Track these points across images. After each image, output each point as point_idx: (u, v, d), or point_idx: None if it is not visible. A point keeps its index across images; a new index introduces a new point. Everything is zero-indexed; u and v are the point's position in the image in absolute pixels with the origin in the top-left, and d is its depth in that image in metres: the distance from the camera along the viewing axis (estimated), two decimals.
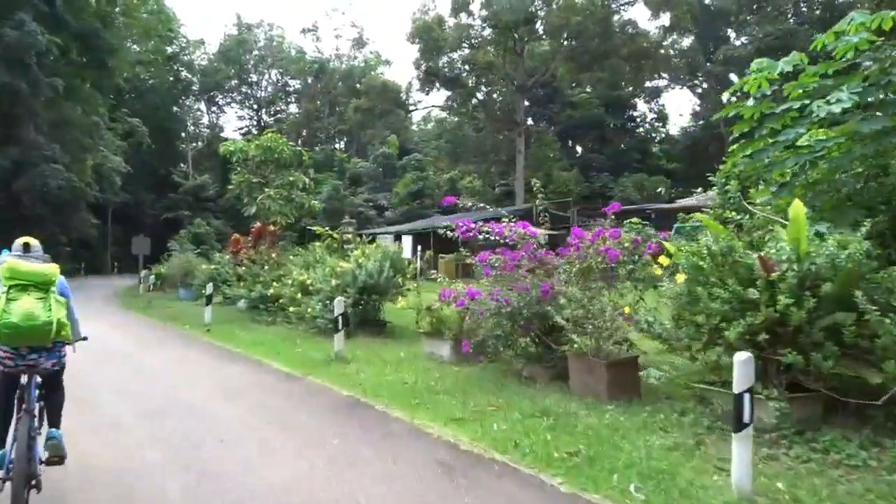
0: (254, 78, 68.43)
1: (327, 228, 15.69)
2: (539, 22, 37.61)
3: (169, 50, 53.61)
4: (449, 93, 42.63)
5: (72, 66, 25.29)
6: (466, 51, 36.95)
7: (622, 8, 42.95)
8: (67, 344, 4.22)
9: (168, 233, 53.17)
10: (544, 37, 39.65)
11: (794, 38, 39.58)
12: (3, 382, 3.81)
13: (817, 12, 41.99)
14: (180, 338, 12.06)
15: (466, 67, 35.20)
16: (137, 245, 27.04)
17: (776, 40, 40.84)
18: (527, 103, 42.64)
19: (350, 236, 13.50)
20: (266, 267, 14.83)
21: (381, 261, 11.70)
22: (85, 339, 4.62)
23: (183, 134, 62.91)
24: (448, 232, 8.96)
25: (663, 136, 59.29)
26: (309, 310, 11.54)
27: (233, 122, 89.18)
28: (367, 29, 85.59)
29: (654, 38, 41.22)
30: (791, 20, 41.91)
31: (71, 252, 41.78)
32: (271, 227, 17.45)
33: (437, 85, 40.46)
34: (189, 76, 60.65)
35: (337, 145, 66.32)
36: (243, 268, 15.80)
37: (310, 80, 63.64)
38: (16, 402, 3.83)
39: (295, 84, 68.05)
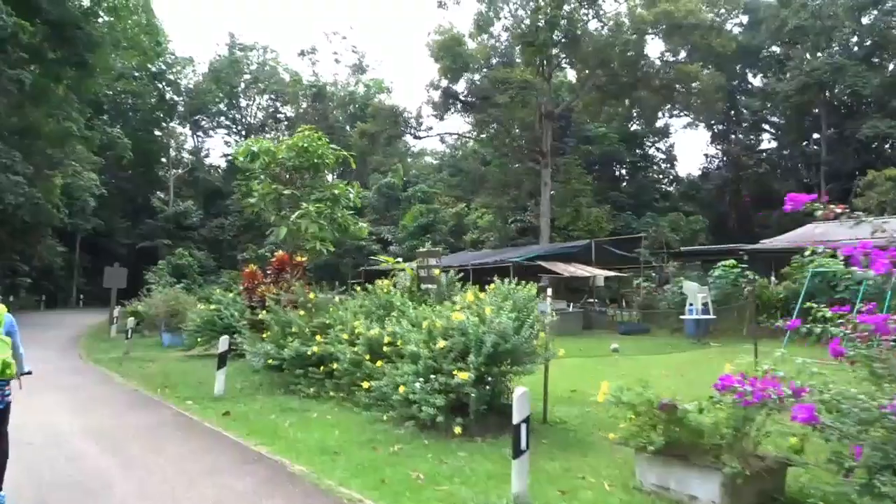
0: (243, 103, 64.37)
1: (399, 260, 11.30)
2: (569, 46, 34.23)
3: (153, 68, 49.33)
4: (466, 118, 38.96)
5: (43, 62, 20.93)
6: (491, 70, 33.34)
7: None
8: (9, 382, 4.29)
9: (143, 264, 48.23)
10: (573, 62, 36.28)
11: (841, 72, 36.89)
12: None
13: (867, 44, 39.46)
14: (183, 430, 7.43)
15: (492, 87, 31.45)
16: (111, 276, 22.34)
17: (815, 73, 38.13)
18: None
19: (437, 272, 9.07)
20: (301, 313, 10.35)
21: (519, 311, 7.38)
22: (29, 373, 4.85)
23: (164, 159, 58.21)
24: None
25: (673, 176, 56.53)
26: (401, 388, 7.08)
27: (219, 149, 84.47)
28: (368, 55, 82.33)
29: (684, 71, 38.07)
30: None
31: (31, 283, 36.61)
32: (298, 258, 13.02)
33: (456, 108, 36.72)
34: (174, 97, 56.28)
35: (330, 175, 62.08)
36: (263, 312, 11.29)
37: (304, 105, 59.69)
38: None
39: (287, 111, 64.11)
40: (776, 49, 47.45)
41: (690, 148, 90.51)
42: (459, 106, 37.19)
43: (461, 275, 9.91)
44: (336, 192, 12.03)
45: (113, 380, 11.18)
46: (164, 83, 50.52)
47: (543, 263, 20.07)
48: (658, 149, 55.53)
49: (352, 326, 9.42)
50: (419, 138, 42.07)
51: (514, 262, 20.12)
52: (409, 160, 59.86)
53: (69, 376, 11.55)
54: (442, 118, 38.78)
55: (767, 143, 53.02)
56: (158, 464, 5.81)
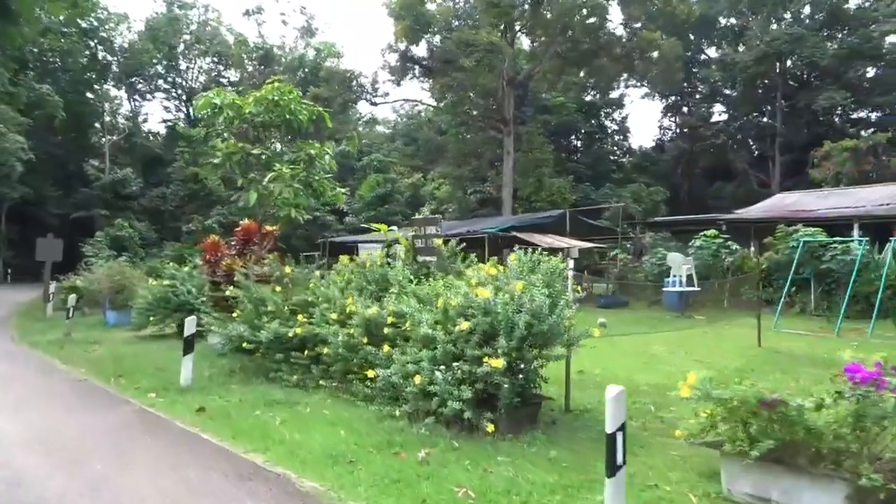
0: (183, 65, 60.63)
1: (393, 229, 10.03)
2: (532, 9, 33.06)
3: (84, 24, 45.53)
4: (424, 85, 37.44)
5: None
6: (454, 32, 31.83)
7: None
8: None
9: (78, 236, 45.08)
10: (534, 26, 35.13)
11: (799, 42, 37.04)
12: None
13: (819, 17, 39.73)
14: (152, 433, 6.10)
15: (457, 49, 30.00)
16: (44, 248, 20.26)
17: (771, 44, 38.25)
18: None
19: (438, 243, 7.94)
20: (277, 289, 9.06)
21: (550, 287, 6.37)
22: None
23: (97, 124, 54.35)
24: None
25: (626, 147, 56.55)
26: (416, 378, 5.97)
27: (157, 114, 80.00)
28: (317, 17, 78.96)
29: (645, 38, 37.44)
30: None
31: None
32: (268, 227, 11.63)
33: (414, 73, 35.16)
34: (108, 56, 52.34)
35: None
36: (230, 288, 9.94)
37: (249, 69, 56.67)
38: None
39: (230, 75, 60.75)
40: (733, 20, 47.55)
41: (643, 120, 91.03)
42: (418, 71, 35.63)
43: (463, 245, 8.79)
44: (312, 152, 10.65)
45: (55, 367, 9.65)
46: (96, 41, 46.70)
47: (519, 234, 19.17)
48: (613, 119, 55.35)
49: (342, 304, 8.23)
50: (375, 104, 40.37)
51: (488, 232, 19.14)
52: (361, 129, 57.91)
53: (1, 363, 9.96)
54: (399, 83, 37.18)
55: (719, 115, 53.52)
56: (130, 487, 4.55)
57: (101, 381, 8.50)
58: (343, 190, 11.24)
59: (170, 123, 58.87)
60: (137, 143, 54.32)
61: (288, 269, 9.54)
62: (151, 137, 58.92)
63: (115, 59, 52.58)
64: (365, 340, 7.27)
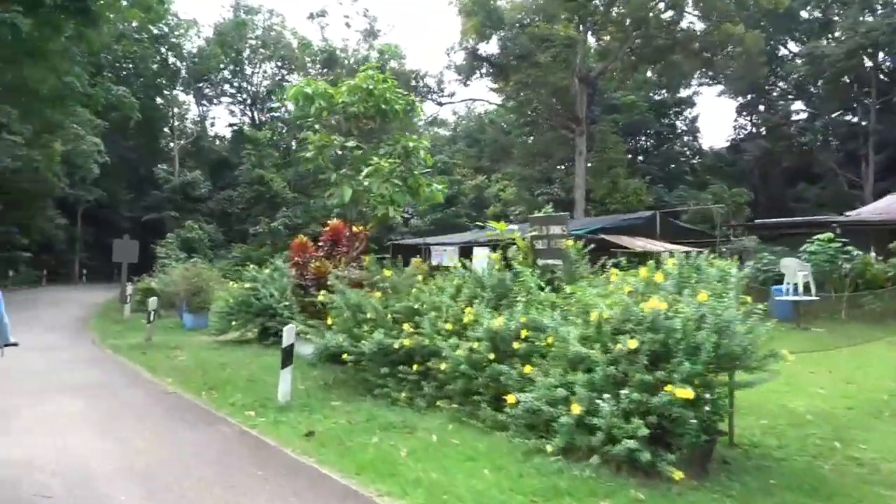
0: (248, 70, 61.50)
1: (513, 228, 9.03)
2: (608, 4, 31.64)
3: (155, 30, 46.45)
4: (493, 84, 36.41)
5: (40, 6, 18.41)
6: (527, 27, 30.65)
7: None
8: None
9: (149, 238, 45.97)
10: (609, 21, 33.65)
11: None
12: None
13: None
14: (261, 463, 5.23)
15: (532, 45, 28.85)
16: (120, 250, 20.18)
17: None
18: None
19: (566, 244, 6.84)
20: (377, 295, 8.19)
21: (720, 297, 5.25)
22: (16, 344, 4.75)
23: (166, 129, 55.56)
24: None
25: (696, 148, 54.02)
26: (574, 407, 4.93)
27: (223, 118, 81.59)
28: (380, 19, 78.89)
29: (727, 32, 35.39)
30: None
31: (31, 257, 34.40)
32: (357, 228, 10.83)
33: (482, 72, 34.19)
34: (177, 62, 53.41)
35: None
36: (321, 293, 9.12)
37: (312, 73, 56.87)
38: None
39: (293, 79, 61.22)
40: (817, 13, 44.78)
41: (713, 119, 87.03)
42: (486, 69, 34.65)
43: (591, 246, 7.72)
44: (410, 145, 9.76)
45: (140, 375, 9.04)
46: (166, 47, 47.60)
47: (607, 237, 17.89)
48: (683, 119, 53.03)
49: (455, 313, 7.29)
50: (441, 104, 39.54)
51: (576, 235, 17.90)
52: (423, 130, 57.25)
53: (85, 369, 9.42)
54: (466, 83, 36.27)
55: (797, 114, 50.45)
56: None
57: (191, 394, 7.78)
58: (441, 187, 10.28)
59: (236, 127, 59.79)
60: (205, 147, 55.27)
61: (387, 273, 8.64)
62: (218, 141, 59.98)
63: (184, 64, 53.61)
64: (491, 357, 6.29)
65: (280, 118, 61.64)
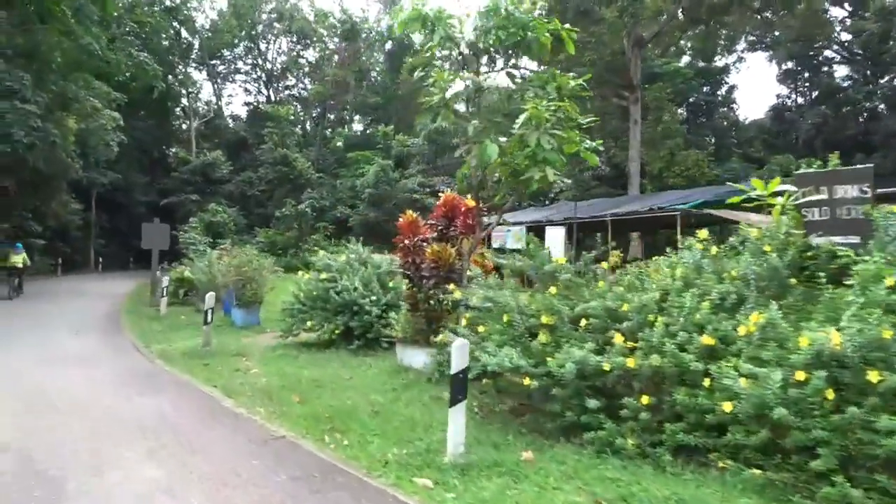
0: (263, 46, 58.72)
1: (789, 189, 6.54)
2: None
3: (168, 1, 43.70)
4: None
5: None
6: None
7: None
8: None
9: (168, 223, 43.73)
10: None
11: None
12: None
13: None
14: None
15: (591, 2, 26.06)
16: (150, 235, 17.86)
17: None
18: None
19: (867, 209, 4.26)
20: (552, 291, 5.79)
21: None
22: None
23: (178, 109, 52.97)
24: None
25: (735, 118, 51.01)
26: None
27: (238, 97, 79.01)
28: None
29: None
30: None
31: (45, 245, 32.15)
32: (472, 202, 8.41)
33: None
34: (189, 37, 50.69)
35: (358, 125, 56.89)
36: (452, 289, 6.72)
37: (331, 47, 54.06)
38: None
39: (309, 56, 58.37)
40: None
41: (745, 90, 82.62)
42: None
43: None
44: (570, 85, 7.26)
45: (219, 404, 6.67)
46: (179, 19, 44.76)
47: (714, 212, 15.41)
48: (722, 88, 50.03)
49: (705, 321, 4.89)
50: (479, 75, 36.63)
51: (680, 210, 15.42)
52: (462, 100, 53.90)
53: (141, 394, 7.07)
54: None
55: (842, 80, 47.32)
56: None
57: (309, 439, 5.40)
58: (594, 144, 7.72)
59: (253, 105, 57.15)
60: (221, 127, 52.74)
61: (562, 261, 6.21)
62: (233, 121, 57.41)
63: (197, 39, 50.88)
64: (830, 395, 3.88)
65: (296, 96, 59.01)
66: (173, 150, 48.39)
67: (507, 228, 20.98)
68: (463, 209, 8.43)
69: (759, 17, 35.75)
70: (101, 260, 40.07)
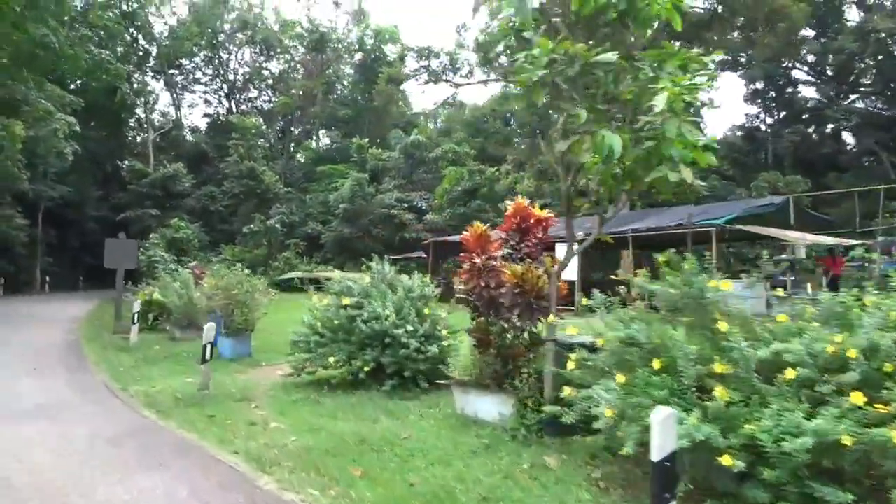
0: (224, 55, 56.32)
1: None
2: None
3: (126, 5, 41.19)
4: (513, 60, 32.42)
5: None
6: None
7: None
8: None
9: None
10: None
11: None
12: None
13: None
14: None
15: None
16: (115, 252, 15.73)
17: None
18: None
19: None
20: (722, 327, 4.27)
21: None
22: None
23: (132, 120, 50.02)
24: None
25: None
26: None
27: (198, 109, 75.95)
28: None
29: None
30: None
31: None
32: (543, 212, 6.83)
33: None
34: (146, 44, 48.07)
35: (325, 138, 54.88)
36: (552, 320, 5.14)
37: (297, 58, 52.13)
38: None
39: (272, 67, 56.20)
40: None
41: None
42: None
43: None
44: (693, 67, 5.77)
45: (256, 486, 4.84)
46: (138, 24, 42.19)
47: (744, 227, 14.26)
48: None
49: None
50: (457, 86, 35.42)
51: (716, 225, 14.18)
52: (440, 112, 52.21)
53: (136, 468, 5.21)
54: (490, 63, 32.34)
55: (808, 102, 48.01)
56: None
57: None
58: (709, 138, 6.21)
59: (215, 117, 54.58)
60: (180, 139, 50.09)
61: (727, 286, 4.68)
62: (191, 133, 54.73)
63: (155, 46, 48.22)
64: None
65: (259, 108, 56.61)
66: (127, 162, 45.43)
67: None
68: (534, 220, 6.83)
69: (738, 35, 35.66)
70: (48, 280, 36.99)
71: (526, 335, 6.38)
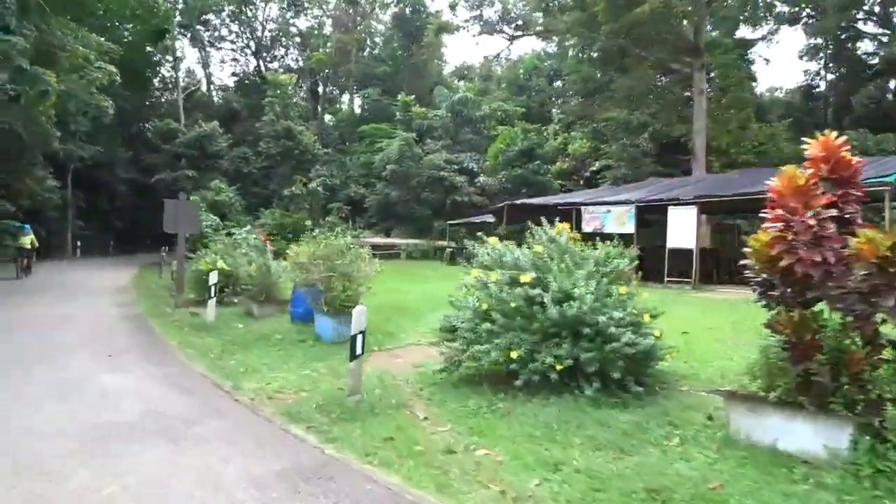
0: (250, 12, 53.71)
1: None
2: None
3: None
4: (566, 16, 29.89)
5: None
6: None
7: None
8: None
9: (149, 202, 39.19)
10: None
11: None
12: None
13: None
14: None
15: None
16: (175, 214, 13.82)
17: None
18: None
19: None
20: None
21: None
22: None
23: (156, 80, 47.83)
24: None
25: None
26: None
27: (224, 68, 73.44)
28: None
29: None
30: None
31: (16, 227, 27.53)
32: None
33: None
34: (170, 2, 45.46)
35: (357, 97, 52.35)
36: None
37: (328, 10, 49.41)
38: None
39: (300, 24, 53.45)
40: None
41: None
42: None
43: None
44: None
45: None
46: None
47: None
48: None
49: None
50: (514, 38, 32.81)
51: (890, 182, 12.01)
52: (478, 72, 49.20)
53: None
54: (547, 10, 29.74)
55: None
56: None
57: None
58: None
59: (241, 75, 52.28)
60: (209, 98, 47.92)
61: None
62: (219, 92, 52.49)
63: (181, 1, 45.69)
64: None
65: (289, 67, 54.09)
66: (156, 122, 43.38)
67: (606, 209, 17.43)
68: (852, 166, 4.74)
69: None
70: (78, 244, 35.41)
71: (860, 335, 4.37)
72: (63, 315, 11.93)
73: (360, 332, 5.93)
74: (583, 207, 18.22)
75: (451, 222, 28.59)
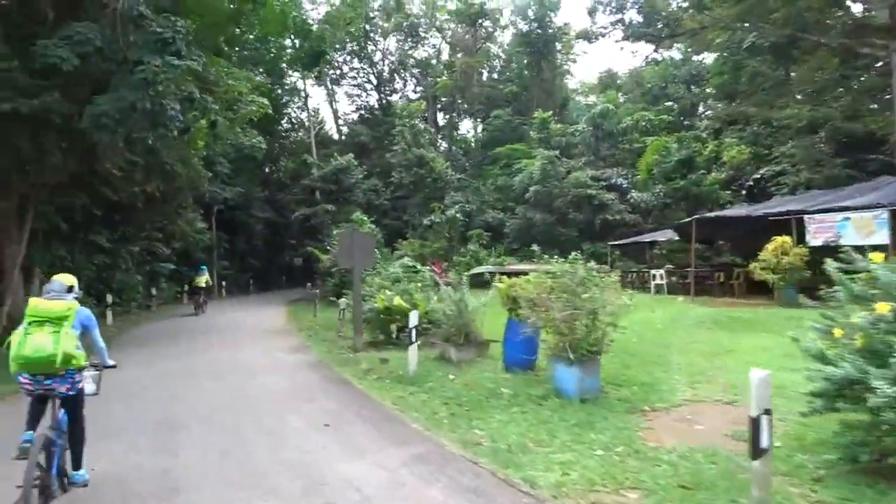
0: (369, 47, 54.18)
1: None
2: None
3: None
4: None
5: None
6: None
7: None
8: (80, 370, 4.25)
9: (286, 240, 39.55)
10: None
11: None
12: (31, 403, 4.23)
13: None
14: None
15: None
16: (349, 247, 12.39)
17: None
18: None
19: None
20: None
21: None
22: (114, 366, 4.74)
23: (283, 120, 48.79)
24: None
25: None
26: None
27: (346, 103, 74.49)
28: None
29: None
30: None
31: (173, 270, 28.05)
32: None
33: None
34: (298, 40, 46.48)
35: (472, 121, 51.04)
36: None
37: (448, 37, 48.68)
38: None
39: (417, 54, 53.17)
40: None
41: None
42: None
43: None
44: None
45: None
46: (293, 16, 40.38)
47: None
48: None
49: None
50: (667, 38, 29.98)
51: None
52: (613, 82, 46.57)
53: None
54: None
55: None
56: None
57: None
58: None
59: (364, 108, 52.61)
60: (335, 134, 48.37)
61: None
62: (344, 128, 53.06)
63: (306, 41, 46.54)
64: None
65: (408, 98, 53.93)
66: (286, 160, 44.03)
67: (843, 216, 14.32)
68: None
69: None
70: (223, 284, 35.98)
71: None
72: (245, 370, 10.65)
73: (766, 412, 3.74)
74: (806, 217, 15.16)
75: (613, 243, 26.03)
